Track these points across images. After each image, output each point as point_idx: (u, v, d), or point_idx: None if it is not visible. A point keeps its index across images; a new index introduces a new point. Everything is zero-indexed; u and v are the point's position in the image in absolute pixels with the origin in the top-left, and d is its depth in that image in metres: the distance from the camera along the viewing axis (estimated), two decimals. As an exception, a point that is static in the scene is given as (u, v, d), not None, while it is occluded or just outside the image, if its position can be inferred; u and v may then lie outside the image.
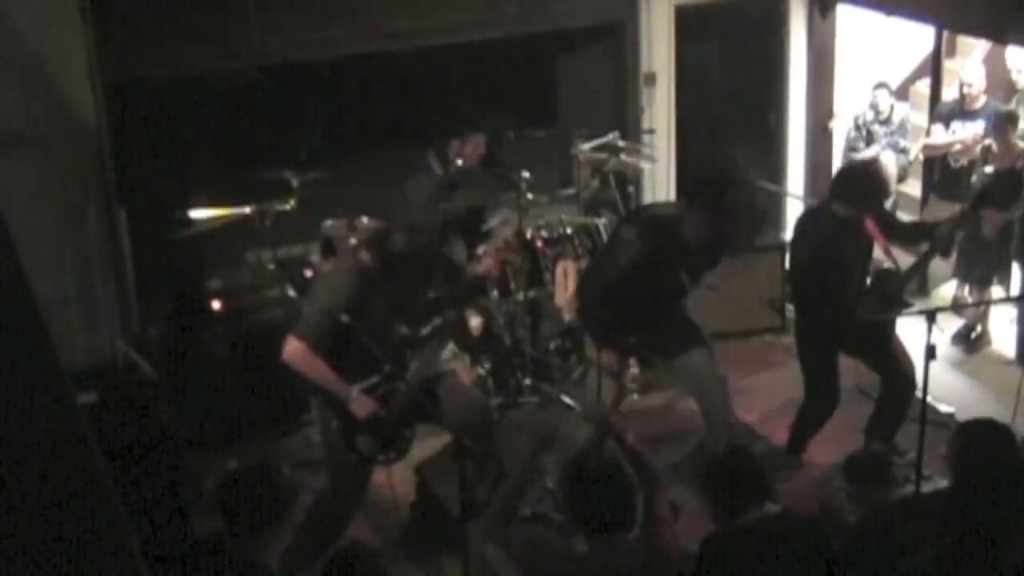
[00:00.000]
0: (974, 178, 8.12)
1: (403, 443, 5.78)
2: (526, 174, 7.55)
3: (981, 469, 4.11)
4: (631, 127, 8.88)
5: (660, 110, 9.00)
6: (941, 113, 8.53)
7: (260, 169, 7.25)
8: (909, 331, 6.48)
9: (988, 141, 8.02)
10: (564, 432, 6.26)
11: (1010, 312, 8.28)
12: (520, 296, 7.44)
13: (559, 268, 7.49)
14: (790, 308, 7.64)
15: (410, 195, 7.55)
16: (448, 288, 7.31)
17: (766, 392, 7.44)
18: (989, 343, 8.30)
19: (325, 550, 5.34)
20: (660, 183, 9.11)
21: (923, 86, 9.92)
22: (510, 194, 7.66)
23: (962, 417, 6.38)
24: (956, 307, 8.36)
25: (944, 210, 7.81)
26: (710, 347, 6.39)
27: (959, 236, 7.93)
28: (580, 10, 8.58)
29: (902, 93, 10.20)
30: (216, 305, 7.28)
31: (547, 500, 6.18)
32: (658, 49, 8.89)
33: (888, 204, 8.86)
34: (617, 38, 8.97)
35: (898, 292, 6.32)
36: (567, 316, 7.50)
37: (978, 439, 4.27)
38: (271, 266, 7.41)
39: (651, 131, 8.88)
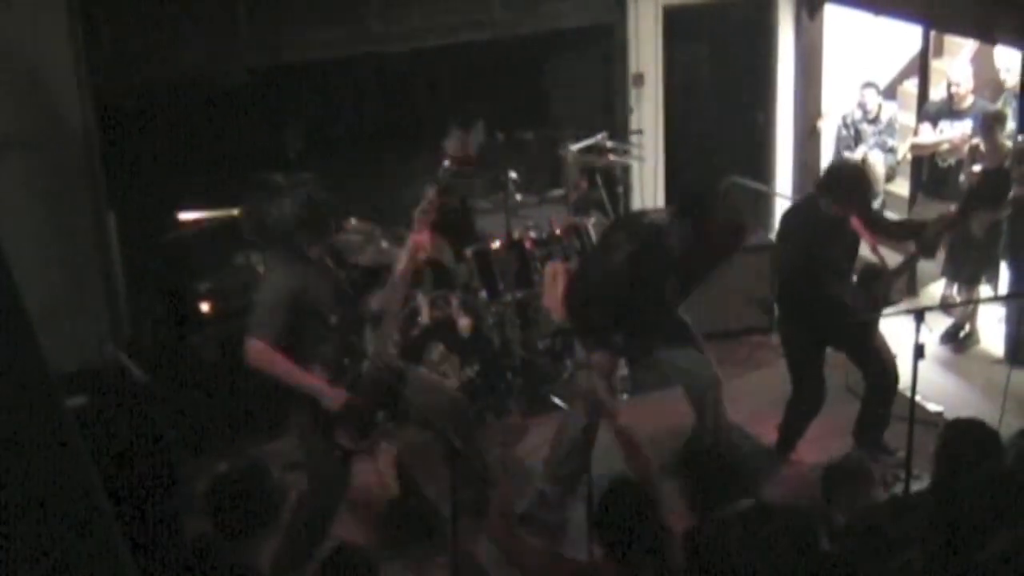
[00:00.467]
0: (962, 177, 8.14)
1: (379, 429, 5.73)
2: (514, 175, 7.56)
3: (963, 468, 4.13)
4: (620, 128, 8.89)
5: (648, 111, 9.02)
6: (929, 112, 8.55)
7: (249, 171, 7.24)
8: (898, 330, 6.50)
9: (976, 140, 8.03)
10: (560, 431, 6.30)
11: (998, 311, 8.30)
12: (509, 297, 7.45)
13: (548, 269, 7.49)
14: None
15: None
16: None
17: (755, 392, 7.45)
18: (977, 342, 8.32)
19: (313, 551, 5.35)
20: (648, 184, 9.13)
21: (911, 85, 9.94)
22: (498, 195, 7.66)
23: (951, 416, 6.40)
24: (944, 306, 8.38)
25: (932, 209, 7.82)
26: (701, 347, 6.41)
27: (946, 238, 7.95)
28: (568, 12, 8.60)
29: (890, 92, 10.23)
30: (205, 307, 7.27)
31: (536, 501, 6.22)
32: (646, 50, 8.90)
33: (876, 203, 8.90)
34: (605, 39, 8.99)
35: (884, 291, 6.34)
36: (556, 317, 7.50)
37: (961, 439, 4.30)
38: (260, 268, 7.40)
39: (639, 132, 8.90)
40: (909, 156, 9.14)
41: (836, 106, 9.69)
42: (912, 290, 8.80)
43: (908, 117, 9.65)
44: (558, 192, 8.46)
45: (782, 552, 4.07)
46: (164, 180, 7.91)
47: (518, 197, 7.59)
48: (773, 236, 8.64)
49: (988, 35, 7.83)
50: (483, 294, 7.45)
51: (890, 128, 9.42)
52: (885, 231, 6.57)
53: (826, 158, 9.61)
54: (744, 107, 9.72)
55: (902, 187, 9.59)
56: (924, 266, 8.66)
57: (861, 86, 9.41)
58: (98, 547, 2.30)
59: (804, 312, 6.38)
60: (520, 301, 7.50)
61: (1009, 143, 7.89)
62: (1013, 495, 3.92)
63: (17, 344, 2.22)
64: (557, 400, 7.40)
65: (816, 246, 6.15)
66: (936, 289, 8.75)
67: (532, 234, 7.61)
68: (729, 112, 9.66)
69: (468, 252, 7.50)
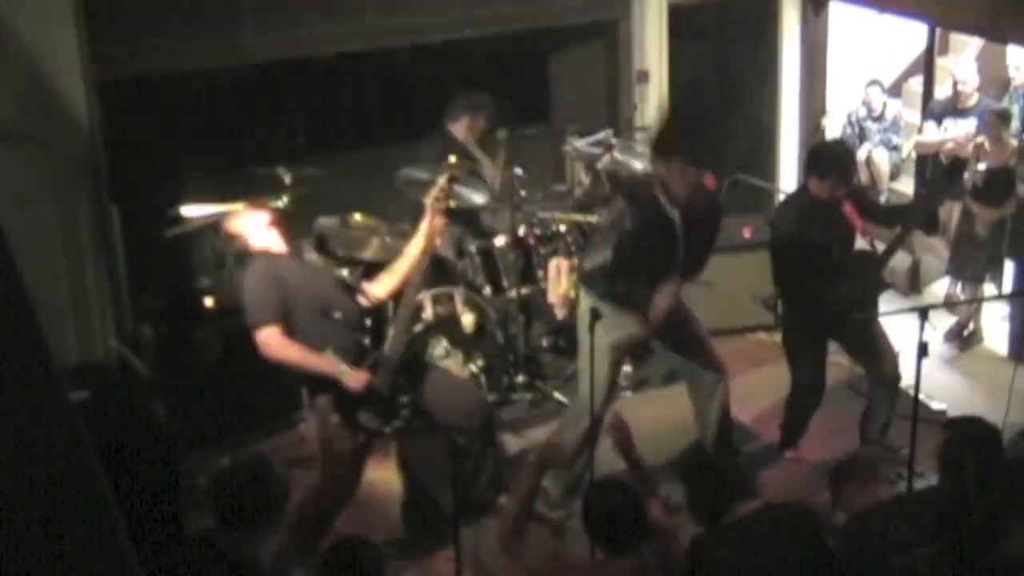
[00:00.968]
0: (967, 175, 8.13)
1: (403, 411, 5.66)
2: (519, 171, 7.55)
3: (967, 467, 4.12)
4: (624, 125, 8.88)
5: (653, 108, 9.00)
6: (934, 110, 8.55)
7: (253, 166, 7.23)
8: (902, 328, 6.50)
9: (980, 139, 8.03)
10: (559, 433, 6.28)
11: (1002, 309, 8.30)
12: (513, 293, 7.44)
13: (552, 265, 7.48)
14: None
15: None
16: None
17: (758, 390, 7.43)
18: (981, 340, 8.31)
19: (317, 545, 5.33)
20: (652, 180, 9.11)
21: (916, 83, 9.94)
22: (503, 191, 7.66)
23: (954, 414, 6.40)
24: (948, 304, 8.38)
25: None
26: (710, 344, 6.39)
27: (949, 233, 7.95)
28: (573, 8, 8.59)
29: (895, 90, 10.23)
30: (209, 302, 7.27)
31: (540, 499, 6.21)
32: (651, 47, 8.89)
33: (881, 200, 8.89)
34: (610, 36, 8.98)
35: (876, 275, 6.31)
36: (560, 313, 7.49)
37: (963, 437, 4.29)
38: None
39: (644, 129, 8.89)
40: (913, 154, 9.15)
41: (841, 104, 9.69)
42: (916, 288, 8.80)
43: (913, 115, 9.65)
44: (562, 188, 8.46)
45: (787, 551, 4.07)
46: (168, 174, 7.90)
47: (523, 193, 7.58)
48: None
49: (993, 33, 7.82)
50: (487, 290, 7.44)
51: (895, 126, 9.42)
52: (876, 215, 6.54)
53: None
54: (749, 104, 9.71)
55: (906, 185, 9.60)
56: (928, 264, 8.67)
57: (866, 84, 9.41)
58: (102, 540, 2.29)
59: (801, 304, 6.37)
60: (524, 297, 7.50)
61: (1014, 141, 7.89)
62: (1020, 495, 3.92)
63: (23, 338, 2.22)
64: (560, 396, 7.39)
65: (810, 234, 6.13)
66: (940, 287, 8.75)
67: (536, 230, 7.60)
68: (734, 109, 9.65)
69: (472, 248, 7.49)
